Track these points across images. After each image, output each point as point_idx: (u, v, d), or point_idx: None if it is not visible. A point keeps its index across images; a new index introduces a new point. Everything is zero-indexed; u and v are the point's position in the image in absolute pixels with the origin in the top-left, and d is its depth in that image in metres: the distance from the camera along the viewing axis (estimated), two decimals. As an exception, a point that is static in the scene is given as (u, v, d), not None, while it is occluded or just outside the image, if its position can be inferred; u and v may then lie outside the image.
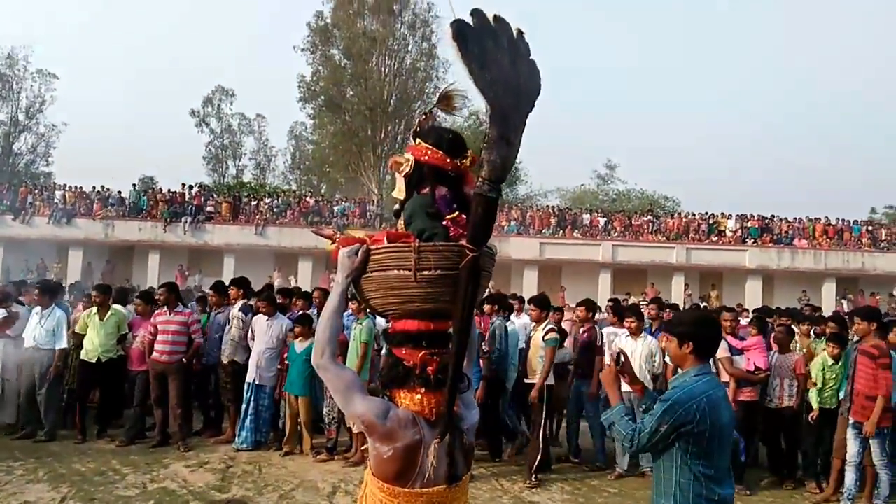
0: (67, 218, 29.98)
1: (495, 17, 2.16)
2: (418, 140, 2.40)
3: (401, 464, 2.15)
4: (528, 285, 28.83)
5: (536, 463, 7.00)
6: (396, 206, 2.46)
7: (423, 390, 2.20)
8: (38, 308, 8.18)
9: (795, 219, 32.73)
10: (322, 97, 38.98)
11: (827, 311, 16.90)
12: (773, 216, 32.72)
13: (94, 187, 31.91)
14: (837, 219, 32.66)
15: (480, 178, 2.18)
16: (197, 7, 76.76)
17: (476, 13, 2.11)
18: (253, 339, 8.09)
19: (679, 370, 3.22)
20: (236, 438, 7.96)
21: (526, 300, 9.00)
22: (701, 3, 79.44)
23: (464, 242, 2.20)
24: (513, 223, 32.14)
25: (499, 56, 2.13)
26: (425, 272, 2.20)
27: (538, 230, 31.94)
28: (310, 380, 7.61)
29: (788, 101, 76.70)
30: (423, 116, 2.41)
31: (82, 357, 8.16)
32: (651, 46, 79.29)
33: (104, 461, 7.33)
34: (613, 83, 76.70)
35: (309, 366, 7.53)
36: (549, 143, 71.10)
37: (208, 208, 31.36)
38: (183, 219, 30.28)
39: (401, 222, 2.40)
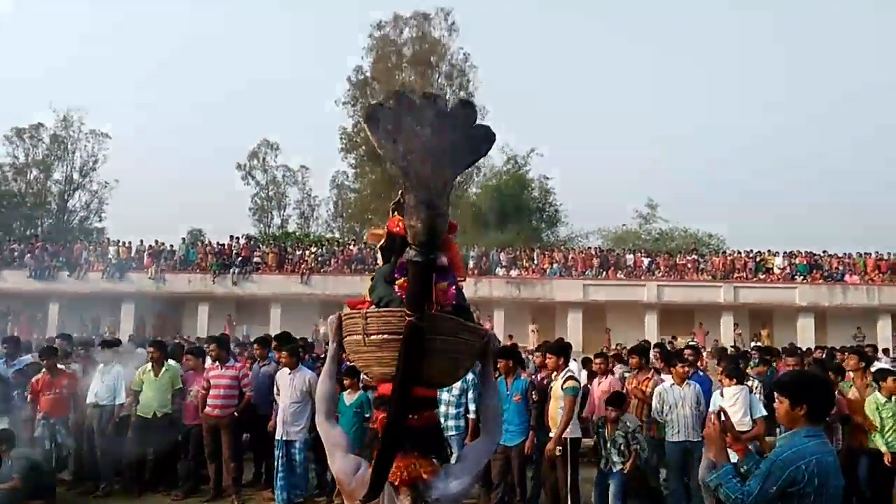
0: (120, 273, 30.97)
1: (427, 94, 2.37)
2: (395, 213, 2.59)
3: None
4: (573, 328, 28.62)
5: None
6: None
7: None
8: (101, 365, 8.51)
9: (845, 254, 31.96)
10: (363, 147, 39.87)
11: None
12: (823, 252, 32.01)
13: (141, 241, 32.99)
14: (889, 253, 31.79)
15: (409, 246, 2.30)
16: (239, 65, 79.52)
17: (400, 96, 2.33)
18: (278, 394, 8.03)
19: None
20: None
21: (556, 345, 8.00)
22: (748, 36, 79.30)
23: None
24: (555, 265, 32.08)
25: (418, 128, 2.27)
26: (372, 336, 2.31)
27: (581, 272, 31.79)
28: (360, 432, 7.66)
29: (833, 132, 75.39)
30: (403, 190, 2.43)
31: (139, 412, 8.39)
32: (678, 79, 79.28)
33: (161, 515, 7.50)
34: (649, 122, 76.60)
35: (359, 418, 7.65)
36: (587, 183, 71.09)
37: (255, 259, 32.10)
38: (231, 270, 31.03)
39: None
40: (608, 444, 6.77)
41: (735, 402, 6.61)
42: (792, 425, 3.07)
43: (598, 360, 7.76)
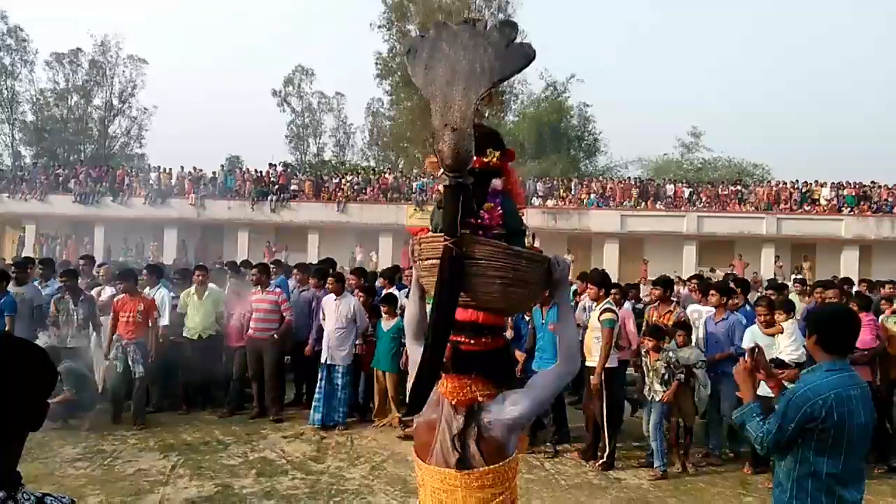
0: (162, 199, 31.50)
1: (467, 19, 2.30)
2: None
3: (422, 438, 2.35)
4: (609, 259, 28.47)
5: (607, 450, 6.88)
6: None
7: (446, 374, 2.30)
8: (147, 288, 8.73)
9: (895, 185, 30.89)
10: (398, 73, 39.22)
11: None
12: (872, 183, 30.97)
13: (182, 167, 33.36)
14: (943, 184, 30.61)
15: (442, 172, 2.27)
16: (276, -12, 78.16)
17: (439, 25, 2.31)
18: (324, 319, 8.27)
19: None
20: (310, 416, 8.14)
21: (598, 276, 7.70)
22: (792, -42, 74.94)
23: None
24: (593, 196, 31.68)
25: (451, 53, 2.23)
26: (423, 261, 2.40)
27: (619, 202, 31.36)
28: (397, 356, 7.81)
29: (886, 58, 71.86)
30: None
31: (184, 334, 8.64)
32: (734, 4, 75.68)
33: (208, 431, 7.79)
34: (699, 44, 73.74)
35: (396, 343, 7.79)
36: (629, 111, 69.33)
37: (292, 187, 32.31)
38: (269, 197, 31.32)
39: None
40: (650, 373, 6.77)
41: (792, 337, 6.58)
42: (815, 357, 3.00)
43: (613, 291, 7.56)
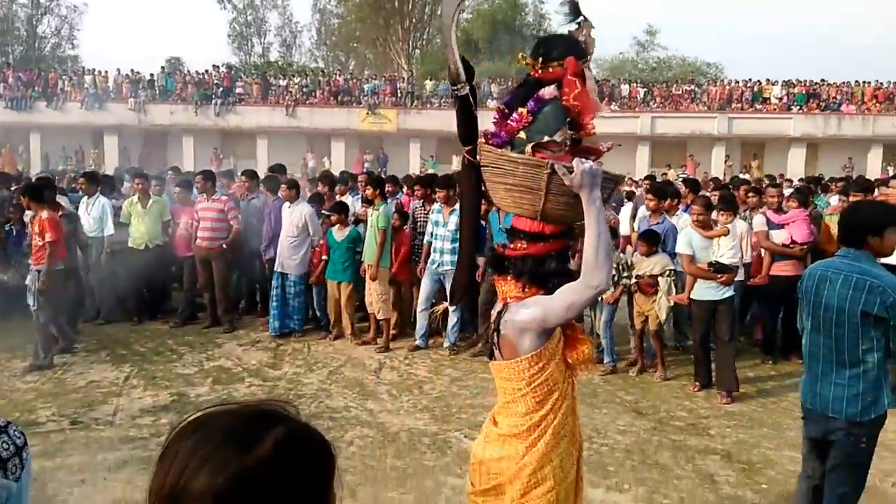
0: (99, 103, 29.99)
1: None
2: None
3: None
4: (564, 160, 28.48)
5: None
6: None
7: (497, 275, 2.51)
8: (85, 197, 8.37)
9: (844, 83, 31.18)
10: (346, -33, 37.34)
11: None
12: (822, 81, 31.21)
13: (118, 70, 31.69)
14: (889, 81, 31.02)
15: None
16: None
17: None
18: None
19: None
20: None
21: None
22: None
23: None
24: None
25: None
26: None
27: (573, 103, 31.04)
28: (352, 266, 7.72)
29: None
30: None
31: (129, 244, 8.38)
32: None
33: (161, 342, 7.71)
34: (654, -60, 71.60)
35: (350, 253, 7.67)
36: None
37: (237, 90, 31.07)
38: (213, 101, 30.10)
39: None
40: None
41: (734, 241, 6.36)
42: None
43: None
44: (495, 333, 2.40)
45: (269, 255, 8.22)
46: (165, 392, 6.13)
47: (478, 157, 2.40)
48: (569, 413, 2.40)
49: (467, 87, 2.40)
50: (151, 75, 31.55)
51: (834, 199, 9.13)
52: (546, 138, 2.36)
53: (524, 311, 2.33)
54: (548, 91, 2.38)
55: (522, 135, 2.36)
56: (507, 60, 39.75)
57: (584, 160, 2.26)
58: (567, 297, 2.26)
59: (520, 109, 2.37)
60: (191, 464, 0.92)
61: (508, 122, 2.38)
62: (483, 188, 2.52)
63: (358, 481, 4.45)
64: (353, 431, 5.29)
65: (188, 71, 33.56)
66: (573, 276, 2.33)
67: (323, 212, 8.29)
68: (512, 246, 2.41)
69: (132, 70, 31.49)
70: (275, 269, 7.99)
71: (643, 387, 6.48)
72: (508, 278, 2.41)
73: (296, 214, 7.95)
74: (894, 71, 65.07)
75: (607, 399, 6.13)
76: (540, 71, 2.41)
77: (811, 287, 3.33)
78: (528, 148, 2.34)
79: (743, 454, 5.00)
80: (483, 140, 2.41)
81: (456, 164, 26.67)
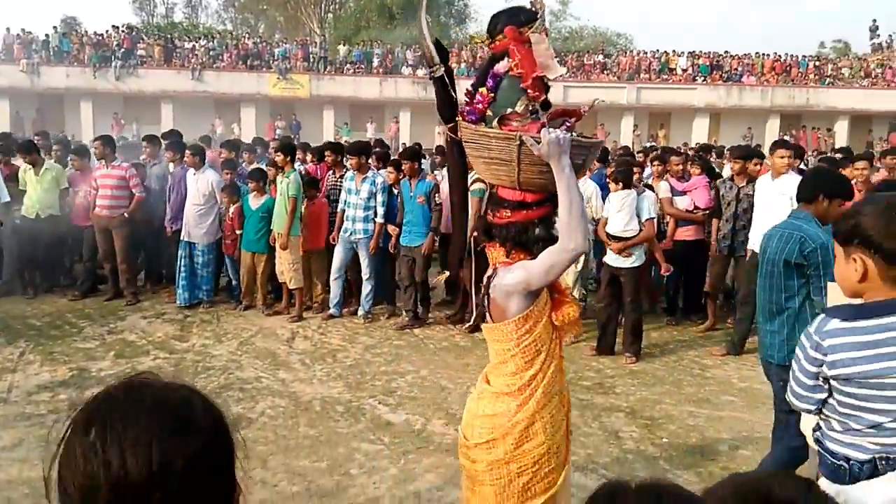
0: (-14, 64, 27.85)
1: None
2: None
3: None
4: (479, 128, 28.56)
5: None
6: None
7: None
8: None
9: (745, 55, 32.53)
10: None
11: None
12: (725, 52, 32.44)
13: (8, 29, 29.50)
14: (786, 54, 32.59)
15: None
16: None
17: None
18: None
19: None
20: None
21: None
22: None
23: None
24: (463, 65, 31.17)
25: None
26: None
27: (489, 72, 31.08)
28: (266, 237, 7.51)
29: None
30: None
31: (23, 213, 7.89)
32: None
33: (59, 315, 7.33)
34: None
35: (265, 223, 7.46)
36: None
37: (139, 52, 29.49)
38: (112, 63, 28.47)
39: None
40: None
41: (621, 208, 6.37)
42: None
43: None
44: (486, 297, 2.51)
45: (176, 226, 7.90)
46: (64, 367, 5.84)
47: (458, 134, 2.53)
48: (556, 372, 2.51)
49: (442, 69, 2.53)
50: (46, 35, 29.53)
51: (727, 169, 9.51)
52: (509, 110, 2.48)
53: (510, 275, 2.44)
54: (501, 66, 2.49)
55: (490, 112, 2.50)
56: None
57: (551, 129, 2.35)
58: (547, 260, 2.36)
59: (480, 90, 2.49)
60: (153, 447, 0.88)
61: (475, 103, 2.50)
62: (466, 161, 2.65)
63: (269, 451, 4.40)
64: (265, 402, 5.21)
65: (85, 31, 31.56)
66: (556, 241, 2.41)
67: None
68: (498, 214, 2.53)
69: (23, 30, 29.35)
70: (181, 238, 7.72)
71: (554, 349, 6.64)
72: (497, 245, 2.53)
73: (202, 182, 7.69)
74: (792, 43, 68.22)
75: (519, 362, 6.25)
76: (491, 46, 2.54)
77: (762, 246, 3.67)
78: (495, 123, 2.45)
79: (646, 410, 5.23)
80: (460, 118, 2.52)
81: (371, 132, 26.37)
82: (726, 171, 9.22)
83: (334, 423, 4.88)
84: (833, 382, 1.75)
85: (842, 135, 29.38)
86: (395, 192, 7.39)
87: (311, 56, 30.77)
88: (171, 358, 6.17)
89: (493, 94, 2.49)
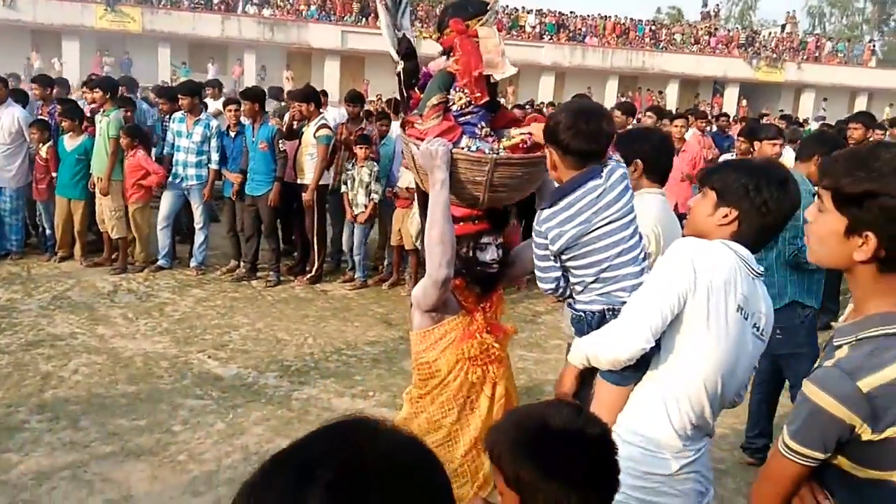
0: None
1: None
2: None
3: None
4: (330, 77, 27.79)
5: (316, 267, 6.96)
6: None
7: None
8: None
9: (589, 16, 33.82)
10: None
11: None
12: (571, 13, 33.53)
13: None
14: (626, 17, 34.24)
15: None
16: None
17: None
18: None
19: None
20: None
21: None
22: None
23: None
24: (313, 8, 30.03)
25: None
26: None
27: (340, 17, 30.20)
28: (84, 182, 6.85)
29: None
30: None
31: None
32: None
33: None
34: None
35: (82, 165, 6.79)
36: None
37: (-64, -30, 25.74)
38: None
39: None
40: (356, 184, 6.72)
41: None
42: None
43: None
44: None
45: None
46: None
47: (407, 132, 2.37)
48: (455, 407, 2.26)
49: (401, 65, 2.48)
50: None
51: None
52: (426, 109, 2.28)
53: (417, 287, 2.30)
54: (434, 64, 2.39)
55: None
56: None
57: (434, 140, 2.15)
58: (422, 283, 2.23)
59: (416, 90, 2.43)
60: None
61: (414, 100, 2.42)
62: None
63: (82, 410, 4.08)
64: (79, 359, 4.81)
65: None
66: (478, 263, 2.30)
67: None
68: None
69: None
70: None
71: (395, 300, 6.65)
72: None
73: (6, 118, 6.86)
74: (633, 5, 71.51)
75: (360, 312, 6.21)
76: (440, 41, 2.37)
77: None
78: (401, 130, 2.44)
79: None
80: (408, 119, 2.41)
81: (212, 73, 24.82)
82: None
83: (157, 379, 4.60)
84: (563, 257, 2.03)
85: (672, 97, 31.51)
86: (232, 135, 6.94)
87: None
88: (-32, 315, 5.53)
89: (418, 94, 2.41)
